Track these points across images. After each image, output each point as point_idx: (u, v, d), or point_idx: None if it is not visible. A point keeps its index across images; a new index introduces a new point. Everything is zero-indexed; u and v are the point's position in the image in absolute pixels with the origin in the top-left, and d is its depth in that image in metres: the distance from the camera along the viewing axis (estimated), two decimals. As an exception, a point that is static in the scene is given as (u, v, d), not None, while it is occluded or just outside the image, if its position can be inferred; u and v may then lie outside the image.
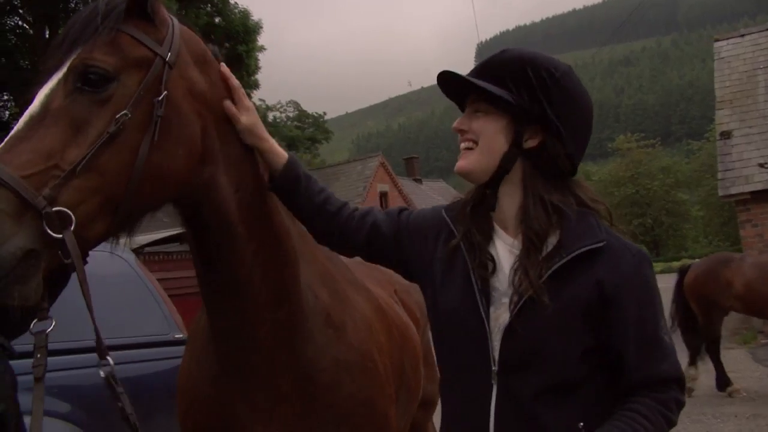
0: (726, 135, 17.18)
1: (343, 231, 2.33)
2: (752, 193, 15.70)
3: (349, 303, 2.69)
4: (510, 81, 2.02)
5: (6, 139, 1.85)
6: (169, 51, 2.06)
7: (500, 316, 1.96)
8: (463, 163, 2.08)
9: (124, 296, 5.03)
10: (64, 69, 1.93)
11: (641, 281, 1.95)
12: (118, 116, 1.90)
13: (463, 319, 2.01)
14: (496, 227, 2.09)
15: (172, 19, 2.16)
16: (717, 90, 18.56)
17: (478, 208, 2.13)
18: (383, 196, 37.23)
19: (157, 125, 1.97)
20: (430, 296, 2.17)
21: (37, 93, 1.94)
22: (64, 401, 4.16)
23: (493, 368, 1.95)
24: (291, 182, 2.33)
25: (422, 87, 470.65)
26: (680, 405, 1.93)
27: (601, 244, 1.93)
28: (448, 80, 2.14)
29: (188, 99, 2.11)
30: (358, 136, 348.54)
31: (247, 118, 2.29)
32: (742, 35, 19.69)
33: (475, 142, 2.05)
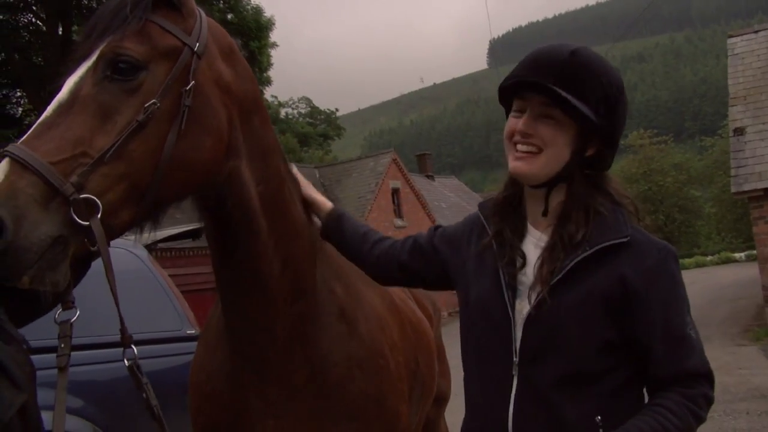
0: (739, 131, 17.09)
1: (386, 253, 2.51)
2: (765, 189, 15.62)
3: (362, 299, 2.70)
4: (589, 94, 1.96)
5: (34, 126, 1.86)
6: (197, 41, 2.08)
7: (525, 308, 2.00)
8: (525, 167, 2.01)
9: (137, 292, 5.04)
10: (93, 57, 1.94)
11: (667, 277, 1.96)
12: (147, 105, 1.91)
13: (490, 311, 2.06)
14: (527, 224, 2.12)
15: (200, 11, 2.18)
16: (730, 86, 18.47)
17: (512, 207, 2.16)
18: (395, 192, 37.08)
19: (184, 115, 1.99)
20: (463, 291, 2.22)
21: (65, 81, 1.94)
22: (77, 397, 4.17)
23: (515, 359, 1.98)
24: (336, 220, 2.62)
25: (434, 83, 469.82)
26: (709, 401, 1.93)
27: (625, 239, 1.95)
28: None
29: (215, 90, 2.12)
30: (370, 132, 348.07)
31: (303, 177, 2.66)
32: (756, 31, 19.58)
33: (540, 148, 1.99)
